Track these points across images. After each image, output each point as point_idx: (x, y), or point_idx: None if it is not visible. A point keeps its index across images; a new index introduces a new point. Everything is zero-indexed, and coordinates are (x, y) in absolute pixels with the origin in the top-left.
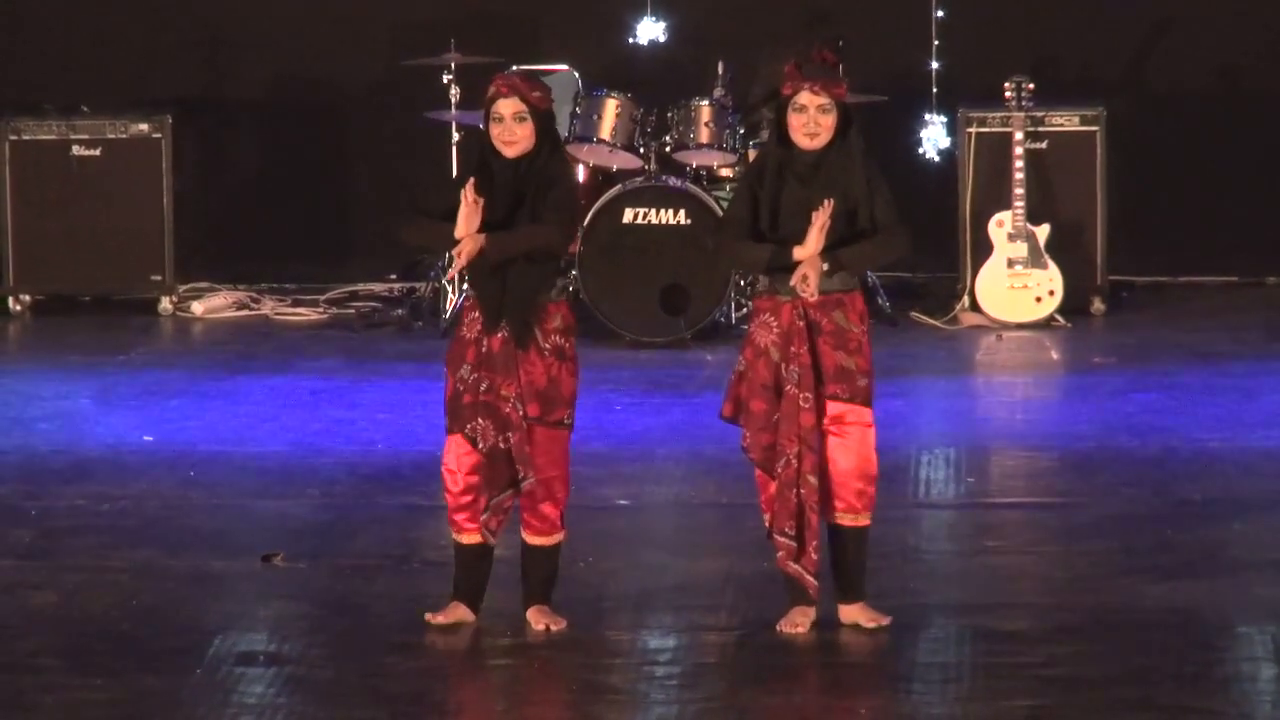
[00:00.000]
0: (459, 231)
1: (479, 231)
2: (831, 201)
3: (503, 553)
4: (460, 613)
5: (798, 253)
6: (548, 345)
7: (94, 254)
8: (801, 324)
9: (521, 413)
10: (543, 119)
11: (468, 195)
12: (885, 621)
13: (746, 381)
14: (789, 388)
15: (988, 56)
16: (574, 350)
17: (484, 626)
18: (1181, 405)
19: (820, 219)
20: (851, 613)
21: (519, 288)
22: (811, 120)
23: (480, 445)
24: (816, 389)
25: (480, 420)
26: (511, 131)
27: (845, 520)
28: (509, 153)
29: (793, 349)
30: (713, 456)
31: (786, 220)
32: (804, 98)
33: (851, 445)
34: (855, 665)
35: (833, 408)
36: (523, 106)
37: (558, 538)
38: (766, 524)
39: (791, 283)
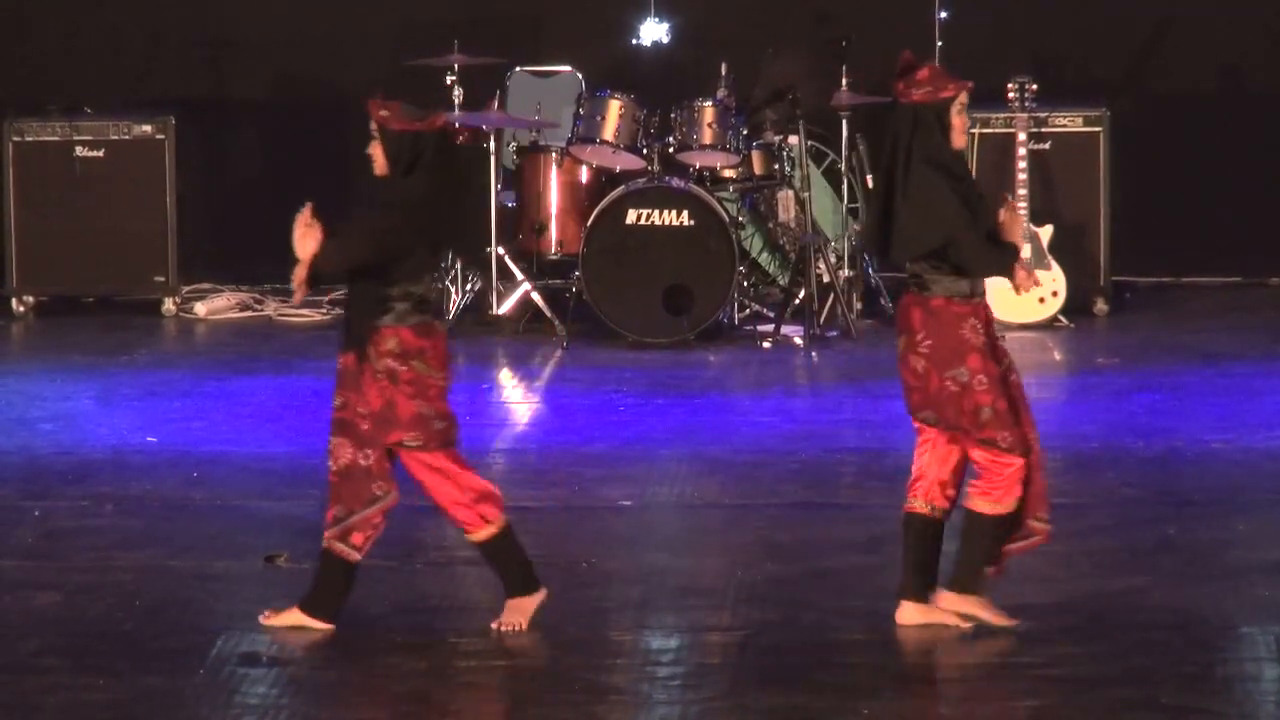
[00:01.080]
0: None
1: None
2: (1010, 198)
3: None
4: (294, 617)
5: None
6: (379, 368)
7: (97, 255)
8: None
9: (367, 431)
10: (388, 139)
11: (299, 220)
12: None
13: (977, 392)
14: (1014, 376)
15: (991, 58)
16: (417, 373)
17: (489, 627)
18: (1184, 405)
19: (1020, 216)
20: (970, 604)
21: (352, 309)
22: (967, 120)
23: (332, 464)
24: None
25: (334, 438)
26: (371, 149)
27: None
28: (375, 172)
29: (999, 344)
30: (715, 457)
31: (982, 219)
32: (964, 98)
33: None
34: (857, 665)
35: None
36: (373, 125)
37: (488, 531)
38: (1003, 511)
39: (1030, 280)
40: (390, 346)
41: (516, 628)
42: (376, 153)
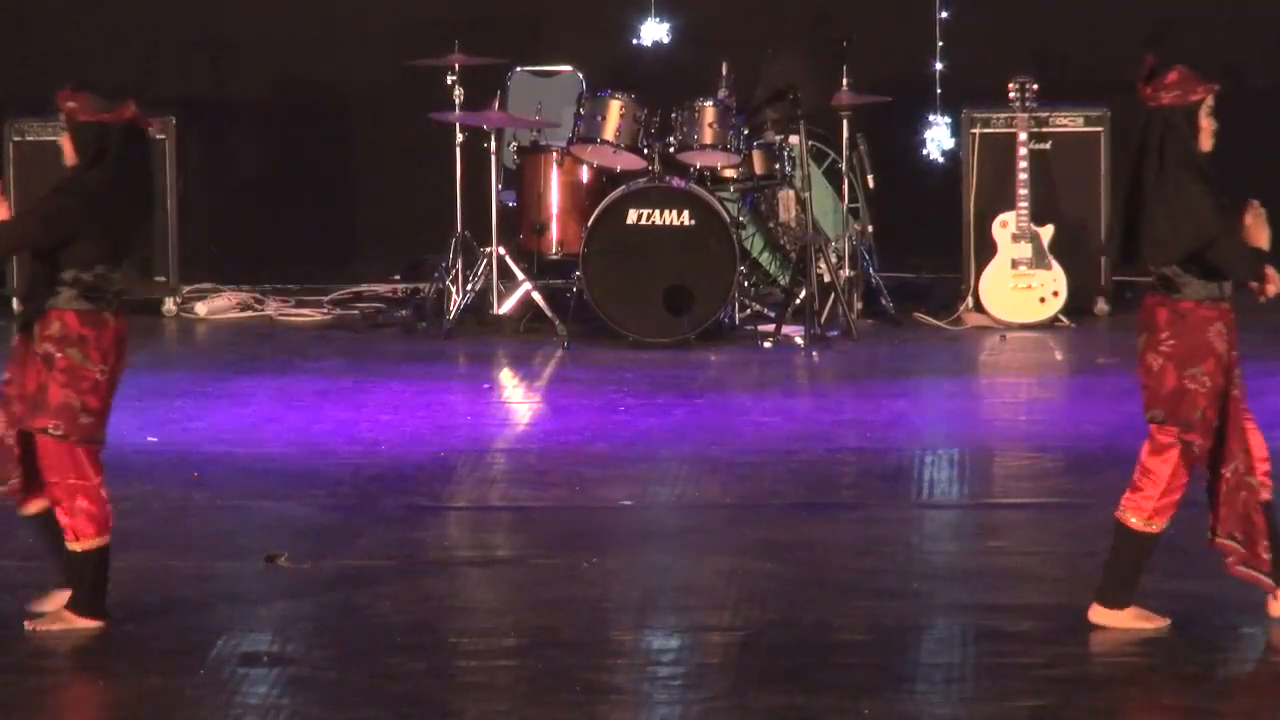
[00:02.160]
0: None
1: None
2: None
3: (508, 554)
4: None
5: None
6: (39, 350)
7: None
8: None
9: (18, 412)
10: (75, 130)
11: None
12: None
13: (1195, 397)
14: (1235, 392)
15: (991, 57)
16: (71, 362)
17: (489, 627)
18: None
19: (1264, 219)
20: (1126, 618)
21: (27, 287)
22: (1214, 122)
23: None
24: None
25: None
26: (60, 140)
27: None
28: (65, 162)
29: (1235, 354)
30: (716, 457)
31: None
32: (1211, 100)
33: None
34: (858, 665)
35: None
36: (62, 117)
37: (77, 545)
38: (1155, 531)
39: (1276, 284)
40: (53, 330)
41: (38, 629)
42: (65, 144)
